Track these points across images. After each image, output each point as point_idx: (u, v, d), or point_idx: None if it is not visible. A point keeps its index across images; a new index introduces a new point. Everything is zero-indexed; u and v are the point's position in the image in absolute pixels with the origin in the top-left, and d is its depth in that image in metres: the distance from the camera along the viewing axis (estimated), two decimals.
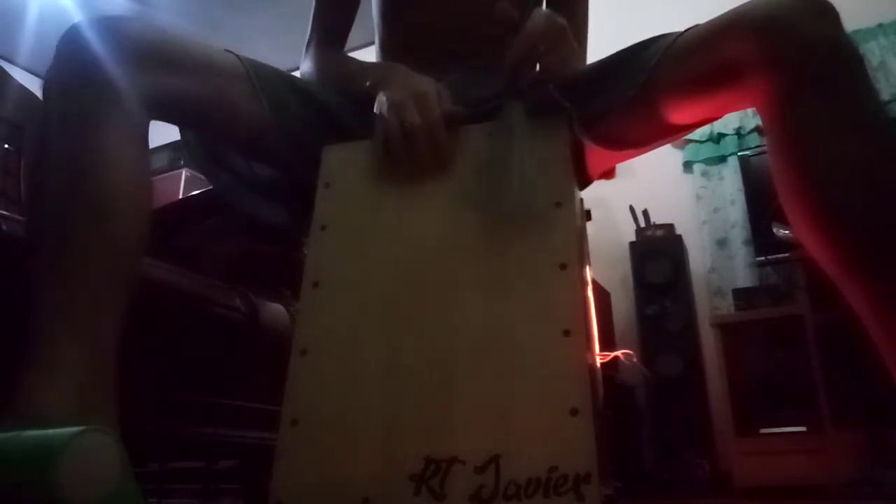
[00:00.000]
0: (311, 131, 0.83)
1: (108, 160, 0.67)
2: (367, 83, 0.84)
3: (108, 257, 0.65)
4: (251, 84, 0.80)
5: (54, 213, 0.65)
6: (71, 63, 0.68)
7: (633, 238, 2.82)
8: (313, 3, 1.04)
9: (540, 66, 0.75)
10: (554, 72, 0.75)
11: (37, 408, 0.58)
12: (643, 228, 2.84)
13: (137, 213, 0.69)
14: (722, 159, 3.01)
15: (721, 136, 3.01)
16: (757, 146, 2.85)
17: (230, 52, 0.81)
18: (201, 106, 0.77)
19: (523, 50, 0.73)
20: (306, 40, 1.03)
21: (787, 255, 2.40)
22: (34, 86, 1.18)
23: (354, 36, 1.05)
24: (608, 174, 0.96)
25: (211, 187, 0.96)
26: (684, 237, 2.79)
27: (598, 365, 0.73)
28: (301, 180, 0.84)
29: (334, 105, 0.87)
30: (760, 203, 2.56)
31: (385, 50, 1.04)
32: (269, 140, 0.82)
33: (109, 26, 0.70)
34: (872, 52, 2.76)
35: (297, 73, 0.96)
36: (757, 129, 2.91)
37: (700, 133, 2.98)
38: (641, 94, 0.75)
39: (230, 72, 0.79)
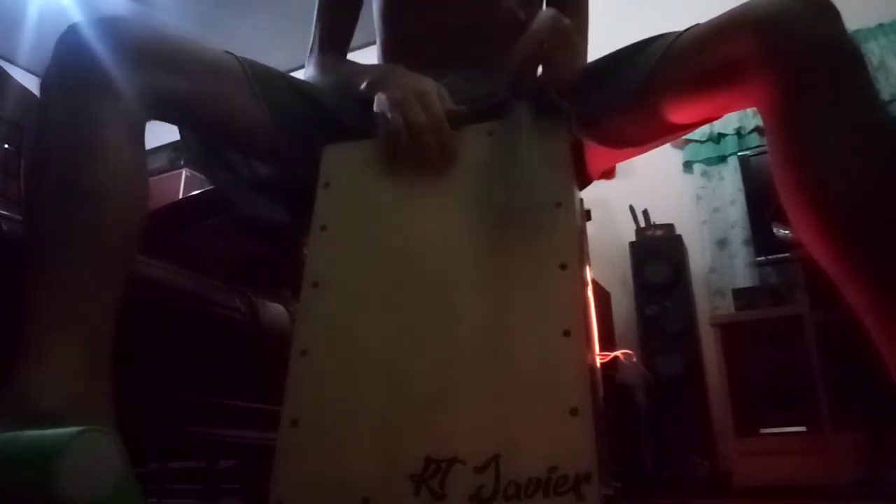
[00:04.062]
0: (310, 131, 0.83)
1: (105, 156, 0.67)
2: (366, 83, 0.84)
3: (100, 250, 0.66)
4: (249, 84, 0.80)
5: (49, 208, 0.66)
6: (69, 62, 0.69)
7: (633, 238, 2.82)
8: (315, 10, 1.04)
9: (544, 67, 0.75)
10: (558, 72, 0.75)
11: (30, 398, 0.57)
12: (643, 228, 2.84)
13: (131, 209, 0.69)
14: (722, 159, 3.01)
15: (721, 136, 3.01)
16: (757, 146, 2.86)
17: (229, 52, 0.82)
18: (199, 105, 0.77)
19: (528, 49, 0.72)
20: (309, 47, 1.03)
21: (787, 255, 2.41)
22: (34, 86, 1.18)
23: (355, 36, 1.06)
24: (608, 174, 0.96)
25: (211, 187, 0.96)
26: (684, 237, 2.79)
27: (598, 365, 0.73)
28: (300, 180, 0.84)
29: (333, 105, 0.87)
30: (760, 203, 2.57)
31: (385, 50, 1.04)
32: (267, 139, 0.82)
33: (108, 26, 0.70)
34: (872, 52, 2.76)
35: (297, 74, 0.96)
36: (757, 129, 2.91)
37: (700, 133, 2.98)
38: (641, 93, 0.75)
39: (228, 72, 0.80)
